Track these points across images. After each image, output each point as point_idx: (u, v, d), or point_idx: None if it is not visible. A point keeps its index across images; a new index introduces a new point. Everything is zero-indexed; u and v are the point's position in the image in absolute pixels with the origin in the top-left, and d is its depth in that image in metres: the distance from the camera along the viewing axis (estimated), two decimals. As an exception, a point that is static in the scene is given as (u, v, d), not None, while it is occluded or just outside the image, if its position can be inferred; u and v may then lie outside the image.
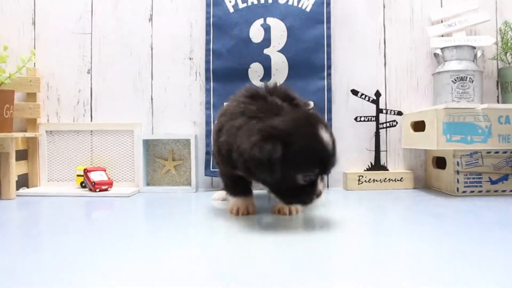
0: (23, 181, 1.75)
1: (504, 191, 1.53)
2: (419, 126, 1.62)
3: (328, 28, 1.73)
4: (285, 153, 0.94)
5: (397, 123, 1.74)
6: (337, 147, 1.02)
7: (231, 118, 1.08)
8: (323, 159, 0.98)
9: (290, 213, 1.18)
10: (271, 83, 1.17)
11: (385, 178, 1.71)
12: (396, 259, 0.77)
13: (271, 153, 0.93)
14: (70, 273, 0.70)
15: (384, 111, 1.74)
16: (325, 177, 1.06)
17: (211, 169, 1.72)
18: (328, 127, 1.02)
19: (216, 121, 1.22)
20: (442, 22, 1.75)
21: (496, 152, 1.52)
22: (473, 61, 1.64)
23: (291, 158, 0.94)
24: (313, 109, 1.29)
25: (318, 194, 1.01)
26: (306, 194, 1.00)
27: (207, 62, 1.75)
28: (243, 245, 0.87)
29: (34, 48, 1.77)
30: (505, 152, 1.52)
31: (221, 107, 1.33)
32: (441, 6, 1.77)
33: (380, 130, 1.74)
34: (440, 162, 1.67)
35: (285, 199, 1.03)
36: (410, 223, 1.11)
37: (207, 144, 1.73)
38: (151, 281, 0.65)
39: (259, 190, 1.22)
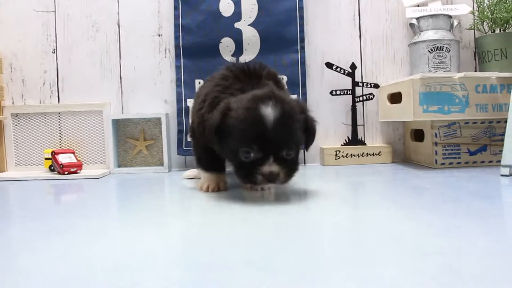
0: (-11, 167, 1.69)
1: (482, 162, 1.50)
2: (396, 98, 1.58)
3: (301, 0, 1.67)
4: (224, 125, 0.95)
5: (373, 96, 1.70)
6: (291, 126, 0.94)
7: (218, 91, 1.08)
8: (259, 135, 0.91)
9: (262, 189, 1.14)
10: (260, 63, 1.14)
11: (363, 153, 1.67)
12: (374, 231, 0.73)
13: (213, 119, 0.96)
14: (32, 256, 0.65)
15: (360, 84, 1.69)
16: (287, 158, 0.95)
17: (184, 148, 1.66)
18: (287, 105, 0.94)
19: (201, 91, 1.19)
20: (417, -9, 1.71)
21: (474, 123, 1.49)
22: (450, 31, 1.61)
23: (228, 130, 0.95)
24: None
25: (266, 176, 0.93)
26: (248, 172, 0.94)
27: (176, 38, 1.68)
28: (215, 223, 0.82)
29: (-5, 28, 1.69)
30: (483, 123, 1.49)
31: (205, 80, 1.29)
32: (416, -25, 1.73)
33: (357, 104, 1.70)
34: (418, 135, 1.64)
35: (236, 175, 1.00)
36: (389, 195, 1.07)
37: (179, 123, 1.67)
38: (122, 263, 0.60)
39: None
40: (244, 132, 0.93)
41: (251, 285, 0.50)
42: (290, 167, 0.96)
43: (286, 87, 1.29)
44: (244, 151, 0.93)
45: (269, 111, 0.91)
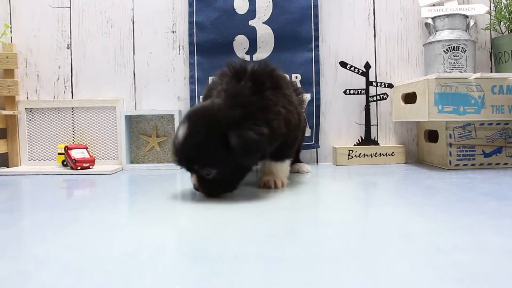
0: (3, 161, 1.70)
1: (497, 164, 1.48)
2: (410, 98, 1.57)
3: (316, -2, 1.67)
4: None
5: (387, 96, 1.69)
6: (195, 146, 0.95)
7: (208, 90, 1.15)
8: (174, 151, 0.98)
9: (276, 186, 1.14)
10: (262, 62, 1.12)
11: (376, 153, 1.66)
12: (386, 227, 0.73)
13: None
14: (44, 247, 0.65)
15: (374, 83, 1.68)
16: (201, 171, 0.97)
17: (196, 146, 1.66)
18: (199, 124, 0.96)
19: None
20: (433, -9, 1.69)
21: (490, 124, 1.47)
22: (466, 31, 1.59)
23: None
24: (299, 91, 1.28)
25: (194, 186, 1.01)
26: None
27: (190, 35, 1.68)
28: (226, 218, 0.82)
29: (10, 23, 1.70)
30: (498, 124, 1.47)
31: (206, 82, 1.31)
32: (433, -25, 1.71)
33: (370, 103, 1.69)
34: (432, 136, 1.62)
35: None
36: (401, 194, 1.06)
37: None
38: (132, 255, 0.60)
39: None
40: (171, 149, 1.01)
41: (262, 277, 0.49)
42: (209, 185, 0.99)
43: (293, 87, 1.26)
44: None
45: (179, 133, 0.96)
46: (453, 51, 1.55)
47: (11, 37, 1.70)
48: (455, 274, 0.49)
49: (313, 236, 0.68)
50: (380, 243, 0.63)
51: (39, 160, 1.72)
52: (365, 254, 0.58)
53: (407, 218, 0.79)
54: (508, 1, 1.58)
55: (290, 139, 1.12)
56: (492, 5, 1.67)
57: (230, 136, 0.91)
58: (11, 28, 1.70)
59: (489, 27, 1.66)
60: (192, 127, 0.95)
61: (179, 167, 1.00)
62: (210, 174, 0.95)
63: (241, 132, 0.92)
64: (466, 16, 1.60)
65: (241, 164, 0.97)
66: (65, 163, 1.60)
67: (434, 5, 1.67)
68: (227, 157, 0.93)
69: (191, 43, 1.68)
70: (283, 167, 1.18)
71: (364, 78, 1.68)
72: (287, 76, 1.34)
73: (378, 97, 1.69)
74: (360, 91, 1.68)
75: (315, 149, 1.72)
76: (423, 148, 1.68)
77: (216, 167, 0.95)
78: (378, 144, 1.69)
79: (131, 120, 1.70)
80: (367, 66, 1.68)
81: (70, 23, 1.72)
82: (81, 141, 1.71)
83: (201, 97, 1.35)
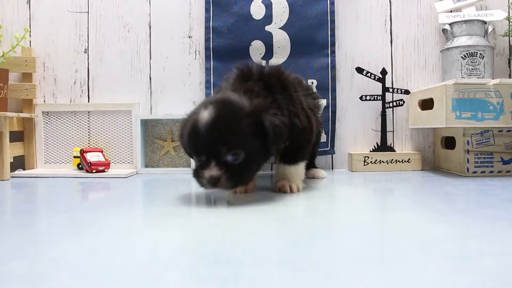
0: (19, 163, 1.71)
1: (516, 171, 1.46)
2: (427, 104, 1.55)
3: (332, 4, 1.66)
4: (181, 134, 1.01)
5: (404, 102, 1.67)
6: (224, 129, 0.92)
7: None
8: (194, 139, 0.94)
9: (291, 190, 1.13)
10: (271, 66, 1.13)
11: (392, 159, 1.64)
12: (408, 233, 0.71)
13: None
14: (61, 249, 0.65)
15: (390, 89, 1.67)
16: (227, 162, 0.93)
17: (211, 150, 1.66)
18: (227, 109, 0.94)
19: None
20: (451, -3, 1.68)
21: (508, 131, 1.45)
22: (484, 37, 1.57)
23: (183, 139, 1.00)
24: (315, 96, 1.29)
25: (207, 180, 0.92)
26: (196, 175, 0.96)
27: (206, 40, 1.69)
28: (242, 224, 0.81)
29: (29, 28, 1.72)
30: (517, 131, 1.45)
31: None
32: (450, -19, 1.70)
33: (387, 110, 1.68)
34: (449, 143, 1.61)
35: None
36: (420, 201, 1.04)
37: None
38: (150, 258, 0.60)
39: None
40: (185, 137, 0.97)
41: (284, 281, 0.48)
42: (234, 172, 0.93)
43: (309, 91, 1.26)
44: (190, 155, 0.99)
45: (204, 115, 0.92)
46: (471, 57, 1.54)
47: (30, 41, 1.72)
48: (484, 280, 0.47)
49: (334, 241, 0.67)
50: (403, 249, 0.61)
51: (55, 163, 1.73)
52: (388, 260, 0.57)
53: (428, 223, 0.78)
54: (527, 7, 1.57)
55: (298, 142, 1.12)
56: (511, 11, 1.65)
57: (264, 118, 0.93)
58: (30, 32, 1.72)
59: (507, 33, 1.64)
60: (219, 111, 0.92)
61: (201, 158, 0.93)
62: (239, 158, 0.92)
63: (273, 117, 0.95)
64: (484, 22, 1.58)
65: (266, 149, 0.97)
66: (80, 166, 1.61)
67: (451, 11, 1.65)
68: (255, 140, 0.94)
69: (207, 48, 1.69)
70: (297, 171, 1.17)
71: (380, 84, 1.66)
72: (303, 79, 1.32)
73: (395, 103, 1.67)
74: (376, 97, 1.67)
75: (330, 155, 1.71)
76: (439, 155, 1.66)
77: (246, 149, 0.93)
78: (394, 150, 1.68)
79: (146, 124, 1.71)
80: (384, 72, 1.67)
81: (88, 28, 1.74)
82: (96, 145, 1.72)
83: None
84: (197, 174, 0.95)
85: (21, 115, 1.62)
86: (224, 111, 0.93)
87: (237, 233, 0.72)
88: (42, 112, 1.72)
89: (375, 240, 0.67)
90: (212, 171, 0.92)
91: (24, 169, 1.69)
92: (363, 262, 0.56)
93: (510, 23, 1.63)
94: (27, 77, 1.71)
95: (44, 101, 1.74)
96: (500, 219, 0.79)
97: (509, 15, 1.66)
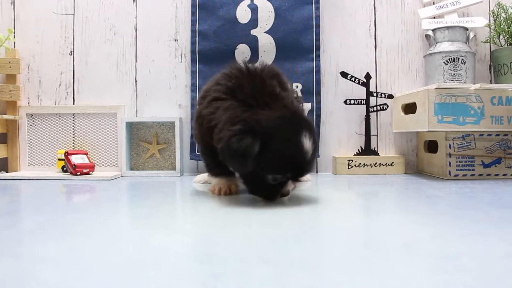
0: (3, 166, 1.70)
1: (496, 174, 1.48)
2: (410, 109, 1.58)
3: (317, 8, 1.68)
4: (262, 152, 0.91)
5: (387, 106, 1.69)
6: (317, 150, 1.01)
7: (219, 91, 1.07)
8: (297, 166, 0.96)
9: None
10: (263, 62, 1.13)
11: (376, 163, 1.66)
12: (389, 233, 0.73)
13: (248, 148, 0.89)
14: (44, 249, 0.65)
15: (374, 94, 1.69)
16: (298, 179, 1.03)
17: (196, 153, 1.67)
18: (313, 130, 0.98)
19: (203, 88, 1.19)
20: (433, 3, 1.71)
21: (489, 135, 1.47)
22: (466, 43, 1.60)
23: (266, 159, 0.91)
24: (299, 100, 1.30)
25: (285, 194, 1.02)
26: (271, 192, 0.99)
27: (192, 43, 1.70)
28: (226, 226, 0.81)
29: (14, 29, 1.71)
30: (497, 135, 1.48)
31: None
32: (433, -12, 1.73)
33: (371, 114, 1.70)
34: (432, 147, 1.63)
35: (249, 189, 1.02)
36: (403, 204, 1.06)
37: (192, 127, 1.67)
38: (134, 258, 0.60)
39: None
40: (283, 163, 0.94)
41: (266, 278, 0.49)
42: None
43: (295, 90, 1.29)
44: (277, 178, 0.96)
45: (307, 143, 0.94)
46: (453, 63, 1.56)
47: (14, 43, 1.71)
48: (463, 278, 0.49)
49: (317, 241, 0.68)
50: (385, 249, 0.62)
51: (39, 165, 1.72)
52: (370, 259, 0.57)
53: (411, 225, 0.79)
54: (507, 15, 1.60)
55: None
56: (492, 18, 1.68)
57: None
58: (14, 33, 1.71)
59: (488, 40, 1.68)
60: (312, 138, 0.97)
61: (279, 175, 0.96)
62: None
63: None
64: (466, 29, 1.61)
65: None
66: (64, 168, 1.60)
67: (434, 17, 1.68)
68: None
69: (193, 51, 1.69)
70: None
71: (364, 89, 1.68)
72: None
73: (378, 108, 1.69)
74: (361, 102, 1.69)
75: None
76: (422, 159, 1.68)
77: None
78: (378, 154, 1.70)
79: (132, 127, 1.71)
80: (368, 76, 1.69)
81: (73, 30, 1.73)
82: (81, 147, 1.71)
83: (197, 99, 1.34)
84: (274, 191, 0.99)
85: (5, 117, 1.61)
86: (314, 137, 0.98)
87: (220, 233, 0.72)
88: (27, 114, 1.71)
89: (358, 241, 0.68)
90: (291, 187, 1.02)
91: (7, 172, 1.68)
92: (346, 261, 0.57)
93: (491, 30, 1.66)
94: (11, 78, 1.69)
95: (29, 103, 1.73)
96: (480, 221, 0.80)
97: (489, 22, 1.69)
